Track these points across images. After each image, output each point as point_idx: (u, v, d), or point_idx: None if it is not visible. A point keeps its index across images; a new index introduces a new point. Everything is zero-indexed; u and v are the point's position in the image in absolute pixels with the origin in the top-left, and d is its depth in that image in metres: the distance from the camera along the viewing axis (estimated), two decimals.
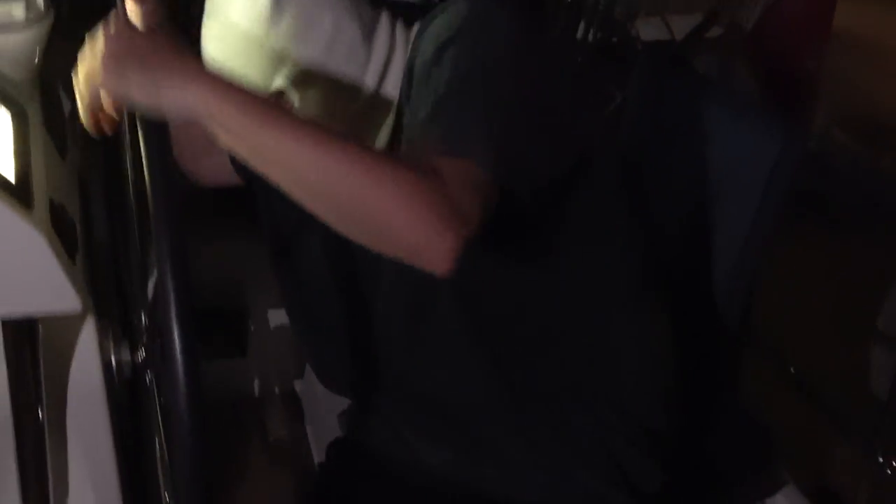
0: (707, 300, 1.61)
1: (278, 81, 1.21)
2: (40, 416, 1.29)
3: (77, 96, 1.08)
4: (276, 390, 2.32)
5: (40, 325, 1.29)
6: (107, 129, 1.09)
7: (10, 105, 1.32)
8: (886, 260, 2.10)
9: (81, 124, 1.12)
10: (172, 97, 0.98)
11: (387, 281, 1.32)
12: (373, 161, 0.99)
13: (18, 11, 1.41)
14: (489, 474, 1.34)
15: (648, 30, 3.19)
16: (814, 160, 1.64)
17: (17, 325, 1.23)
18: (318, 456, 2.14)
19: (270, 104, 1.02)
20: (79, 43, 1.10)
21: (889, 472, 1.42)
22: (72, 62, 1.11)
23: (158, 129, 1.01)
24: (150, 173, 0.98)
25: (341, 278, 1.39)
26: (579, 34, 3.02)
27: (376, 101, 1.24)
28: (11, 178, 1.16)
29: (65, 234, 1.20)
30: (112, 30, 1.03)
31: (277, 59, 1.19)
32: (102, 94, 1.04)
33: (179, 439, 0.90)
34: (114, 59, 1.01)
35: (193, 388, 0.90)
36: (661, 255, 1.48)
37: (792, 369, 1.62)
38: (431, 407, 1.37)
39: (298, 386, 2.28)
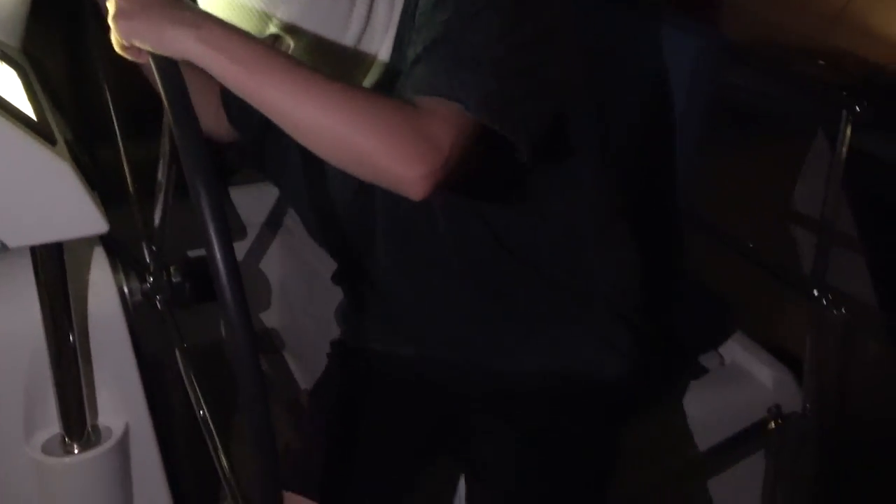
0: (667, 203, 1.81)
1: (271, 29, 1.26)
2: (71, 339, 1.42)
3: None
4: None
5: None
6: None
7: (13, 65, 1.45)
8: (793, 154, 2.40)
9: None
10: (173, 43, 1.08)
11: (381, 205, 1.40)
12: (354, 98, 1.09)
13: None
14: (493, 366, 1.46)
15: None
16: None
17: (45, 254, 1.36)
18: (302, 383, 2.29)
19: (261, 50, 1.11)
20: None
21: (825, 302, 1.67)
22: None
23: (172, 68, 1.07)
24: (172, 109, 1.02)
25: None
26: None
27: (362, 47, 1.29)
28: (34, 119, 1.30)
29: (81, 167, 1.33)
30: None
31: (265, 17, 1.24)
32: (112, 37, 1.15)
33: (236, 347, 0.97)
34: (123, 7, 1.11)
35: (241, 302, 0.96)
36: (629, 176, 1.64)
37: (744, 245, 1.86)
38: (428, 317, 1.47)
39: (271, 320, 2.41)
